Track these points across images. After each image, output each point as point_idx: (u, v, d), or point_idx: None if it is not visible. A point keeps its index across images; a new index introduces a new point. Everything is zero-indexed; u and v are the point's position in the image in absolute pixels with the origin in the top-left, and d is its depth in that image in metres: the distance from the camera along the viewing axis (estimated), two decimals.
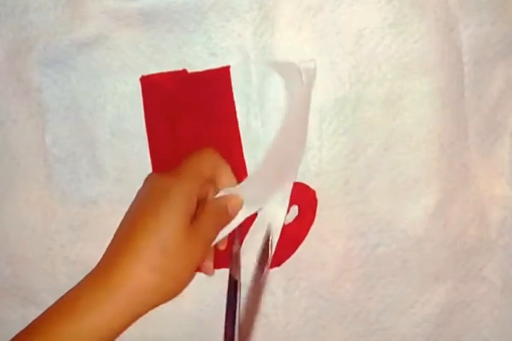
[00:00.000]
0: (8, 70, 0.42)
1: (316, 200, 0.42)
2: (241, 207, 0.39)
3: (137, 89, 0.41)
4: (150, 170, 0.42)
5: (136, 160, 0.42)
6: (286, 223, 0.42)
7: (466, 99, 0.41)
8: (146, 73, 0.41)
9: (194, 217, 0.35)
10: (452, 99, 0.41)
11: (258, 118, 0.41)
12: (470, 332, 0.44)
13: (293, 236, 0.42)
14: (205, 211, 0.36)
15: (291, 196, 0.41)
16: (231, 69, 0.41)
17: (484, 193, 0.42)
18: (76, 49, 0.41)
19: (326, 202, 0.42)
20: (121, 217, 0.43)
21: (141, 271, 0.33)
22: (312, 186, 0.42)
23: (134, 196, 0.42)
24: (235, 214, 0.39)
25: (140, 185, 0.42)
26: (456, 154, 0.41)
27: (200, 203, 0.36)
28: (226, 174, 0.39)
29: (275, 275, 0.42)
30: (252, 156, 0.42)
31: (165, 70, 0.41)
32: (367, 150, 0.41)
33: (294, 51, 0.40)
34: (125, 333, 0.33)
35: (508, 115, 0.41)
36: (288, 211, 0.41)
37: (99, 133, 0.42)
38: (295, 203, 0.42)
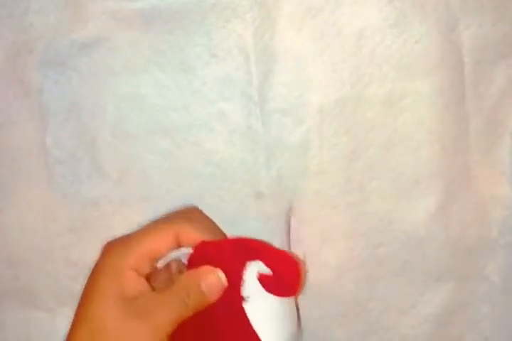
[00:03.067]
0: (8, 72, 0.42)
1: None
2: (223, 285, 0.33)
3: (138, 90, 0.41)
4: (150, 171, 0.42)
5: (136, 161, 0.42)
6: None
7: (466, 99, 0.41)
8: (146, 74, 0.41)
9: (144, 296, 0.32)
10: (453, 99, 0.41)
11: (259, 119, 0.41)
12: (471, 331, 0.44)
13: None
14: (162, 293, 0.32)
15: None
16: (231, 71, 0.41)
17: (485, 193, 0.42)
18: (77, 50, 0.41)
19: (327, 201, 0.42)
20: (122, 218, 0.43)
21: None
22: (313, 186, 0.42)
23: (134, 197, 0.43)
24: (214, 295, 0.33)
25: (140, 187, 0.42)
26: (458, 154, 0.41)
27: (155, 276, 0.34)
28: (192, 229, 0.34)
29: None
30: (254, 157, 0.42)
31: (165, 71, 0.41)
32: (368, 150, 0.41)
33: (295, 52, 0.40)
34: None
35: (509, 115, 0.42)
36: None
37: (99, 135, 0.42)
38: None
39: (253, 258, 0.34)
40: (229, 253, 0.34)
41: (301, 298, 0.43)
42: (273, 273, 0.34)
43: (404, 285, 0.43)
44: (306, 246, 0.42)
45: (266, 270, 0.34)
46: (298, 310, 0.38)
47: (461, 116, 0.41)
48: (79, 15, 0.41)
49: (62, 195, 0.43)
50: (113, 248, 0.34)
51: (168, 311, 0.31)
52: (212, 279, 0.33)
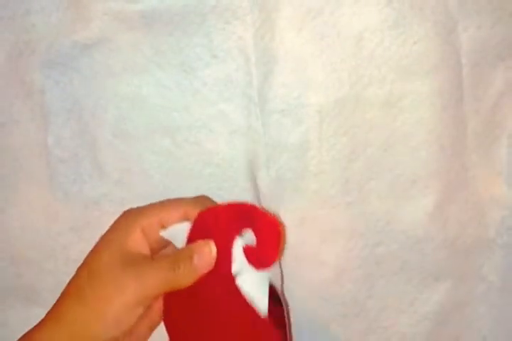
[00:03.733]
0: (10, 72, 0.42)
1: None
2: (213, 258, 0.35)
3: (139, 90, 0.42)
4: (151, 171, 0.42)
5: (137, 161, 0.42)
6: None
7: (465, 100, 0.41)
8: (147, 75, 0.41)
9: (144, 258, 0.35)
10: (451, 100, 0.41)
11: (259, 120, 0.41)
12: (469, 330, 0.44)
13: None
14: (156, 259, 0.35)
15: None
16: (232, 72, 0.41)
17: (483, 193, 0.42)
18: (78, 51, 0.41)
19: (326, 202, 0.42)
20: None
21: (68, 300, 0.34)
22: (312, 186, 0.42)
23: (135, 197, 0.43)
24: (204, 268, 0.34)
25: (141, 186, 0.42)
26: (456, 155, 0.42)
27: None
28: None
29: (275, 276, 0.42)
30: (254, 157, 0.42)
31: (166, 72, 0.41)
32: (367, 150, 0.42)
33: (295, 53, 0.40)
34: None
35: (507, 116, 0.42)
36: None
37: (101, 135, 0.42)
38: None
39: (247, 225, 0.35)
40: (224, 221, 0.35)
41: (301, 298, 0.43)
42: (256, 244, 0.35)
43: (403, 284, 0.43)
44: (305, 246, 0.43)
45: (251, 240, 0.35)
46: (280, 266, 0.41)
47: (459, 117, 0.41)
48: (81, 16, 0.41)
49: (64, 195, 0.43)
50: (129, 211, 0.37)
51: (157, 274, 0.33)
52: (205, 252, 0.35)
